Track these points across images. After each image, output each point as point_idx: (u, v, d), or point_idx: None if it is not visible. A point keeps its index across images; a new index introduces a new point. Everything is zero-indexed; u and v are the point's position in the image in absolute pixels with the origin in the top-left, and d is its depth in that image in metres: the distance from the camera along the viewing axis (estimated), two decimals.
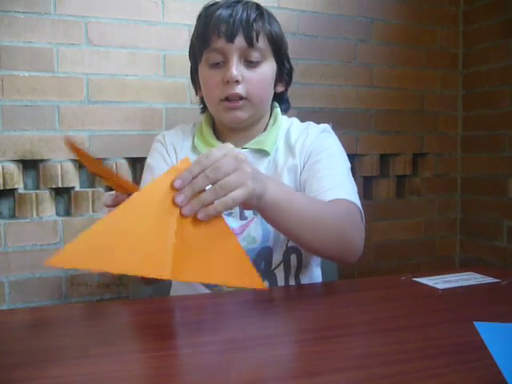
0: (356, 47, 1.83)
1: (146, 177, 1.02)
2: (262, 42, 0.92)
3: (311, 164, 0.95)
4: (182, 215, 0.61)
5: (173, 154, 1.02)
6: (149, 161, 1.04)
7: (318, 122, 1.04)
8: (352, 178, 0.96)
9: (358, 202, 0.90)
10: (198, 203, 0.61)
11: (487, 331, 0.63)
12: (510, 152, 1.83)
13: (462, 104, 2.02)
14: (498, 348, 0.58)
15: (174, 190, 0.61)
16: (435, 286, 0.86)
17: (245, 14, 0.90)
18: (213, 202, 0.62)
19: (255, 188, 0.65)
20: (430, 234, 2.01)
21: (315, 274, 1.05)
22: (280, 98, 1.04)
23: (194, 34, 0.98)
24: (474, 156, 1.99)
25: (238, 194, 0.63)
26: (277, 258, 0.96)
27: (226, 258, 0.63)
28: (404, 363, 0.55)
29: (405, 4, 1.90)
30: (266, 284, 0.63)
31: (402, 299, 0.82)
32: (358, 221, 0.87)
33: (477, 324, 0.65)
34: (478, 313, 0.72)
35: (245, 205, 0.68)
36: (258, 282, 0.64)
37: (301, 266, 0.99)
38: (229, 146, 0.68)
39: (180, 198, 0.60)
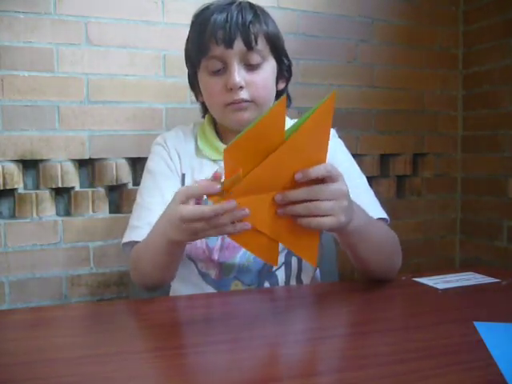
0: (356, 47, 1.83)
1: (148, 183, 1.00)
2: (260, 44, 0.90)
3: None
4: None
5: (176, 158, 1.00)
6: (150, 165, 1.01)
7: None
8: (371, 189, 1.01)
9: (386, 215, 0.96)
10: (290, 212, 0.66)
11: (487, 331, 0.63)
12: (510, 152, 1.83)
13: (462, 104, 2.02)
14: (498, 348, 0.58)
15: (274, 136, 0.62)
16: (435, 286, 0.86)
17: (240, 17, 0.88)
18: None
19: (343, 222, 0.69)
20: (430, 234, 2.01)
21: (315, 274, 1.06)
22: (281, 95, 1.02)
23: (188, 42, 0.96)
24: (474, 156, 1.99)
25: (326, 222, 0.67)
26: (279, 259, 0.96)
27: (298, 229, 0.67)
28: (404, 363, 0.55)
29: (405, 4, 1.89)
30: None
31: (402, 299, 0.82)
32: (398, 242, 0.94)
33: (477, 324, 0.65)
34: (478, 313, 0.72)
35: (330, 230, 0.73)
36: (312, 257, 0.69)
37: (301, 268, 0.99)
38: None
39: (278, 198, 0.65)
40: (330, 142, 1.00)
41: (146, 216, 0.94)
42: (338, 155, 0.99)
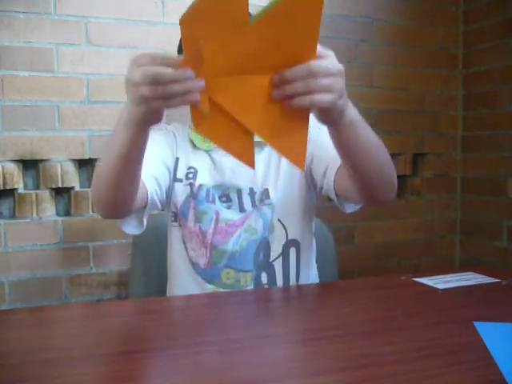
0: (356, 47, 1.83)
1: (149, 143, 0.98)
2: None
3: (314, 142, 0.93)
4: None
5: (174, 141, 1.02)
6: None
7: None
8: None
9: None
10: (289, 91, 0.61)
11: (487, 331, 0.63)
12: (510, 152, 1.83)
13: (462, 104, 2.02)
14: (498, 348, 0.58)
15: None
16: (435, 286, 0.86)
17: None
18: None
19: (340, 104, 0.66)
20: (430, 234, 2.01)
21: (312, 267, 1.07)
22: None
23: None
24: (474, 156, 1.98)
25: (326, 98, 0.62)
26: (276, 250, 0.97)
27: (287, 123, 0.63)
28: (404, 363, 0.55)
29: (405, 4, 1.89)
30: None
31: (402, 299, 0.82)
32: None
33: (477, 324, 0.65)
34: (478, 313, 0.72)
35: (326, 116, 0.68)
36: (300, 160, 0.65)
37: (299, 259, 1.00)
38: None
39: (276, 78, 0.60)
40: (316, 122, 1.00)
41: None
42: (319, 126, 0.99)
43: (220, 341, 0.62)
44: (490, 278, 0.91)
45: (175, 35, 1.55)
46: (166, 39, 1.54)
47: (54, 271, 1.47)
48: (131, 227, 0.93)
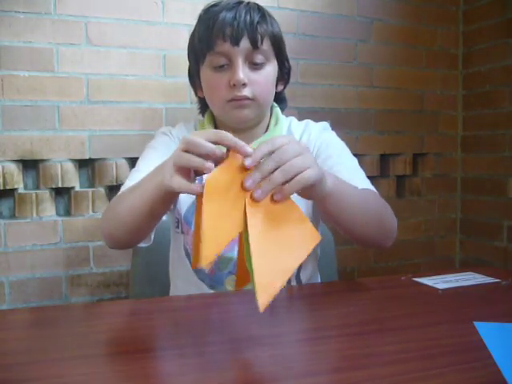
0: (356, 47, 1.83)
1: (149, 155, 0.99)
2: (265, 44, 0.92)
3: (322, 161, 0.95)
4: (252, 201, 0.59)
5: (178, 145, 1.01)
6: (154, 144, 1.01)
7: (318, 122, 1.05)
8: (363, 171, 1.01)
9: (374, 188, 0.95)
10: (269, 185, 0.60)
11: (487, 331, 0.63)
12: (510, 152, 1.83)
13: (462, 104, 2.02)
14: (498, 348, 0.58)
15: (240, 175, 0.59)
16: (435, 286, 0.86)
17: (248, 17, 0.90)
18: (283, 184, 0.61)
19: (321, 172, 0.66)
20: (430, 234, 2.01)
21: (314, 270, 1.06)
22: (278, 97, 1.04)
23: (194, 36, 0.97)
24: (474, 156, 1.99)
25: (310, 173, 0.62)
26: None
27: (295, 236, 0.61)
28: (404, 363, 0.55)
29: (405, 4, 1.90)
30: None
31: (402, 299, 0.81)
32: (388, 206, 0.91)
33: (477, 324, 0.65)
34: (478, 313, 0.72)
35: (307, 192, 0.68)
36: (314, 238, 0.63)
37: (301, 267, 1.00)
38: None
39: (248, 183, 0.59)
40: (322, 132, 1.02)
41: (138, 177, 0.87)
42: (328, 139, 1.02)
43: (220, 341, 0.62)
44: (490, 278, 0.91)
45: (175, 35, 1.56)
46: (166, 39, 1.54)
47: (54, 271, 1.47)
48: None
